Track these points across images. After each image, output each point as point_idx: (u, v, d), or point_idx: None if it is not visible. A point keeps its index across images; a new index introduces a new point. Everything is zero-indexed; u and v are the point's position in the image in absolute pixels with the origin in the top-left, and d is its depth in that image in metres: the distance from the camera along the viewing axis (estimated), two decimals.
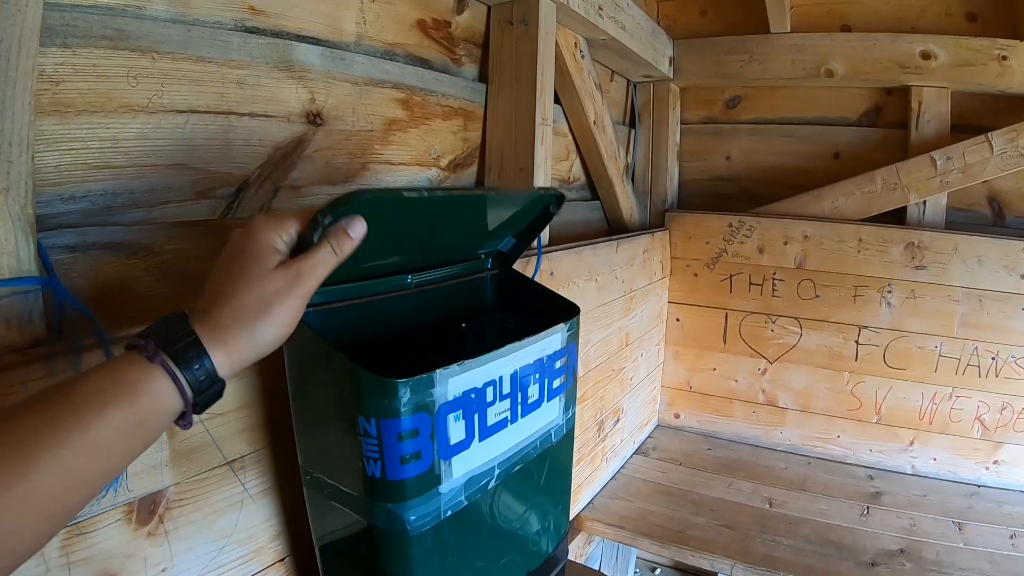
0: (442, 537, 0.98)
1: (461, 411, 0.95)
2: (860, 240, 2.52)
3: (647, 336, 2.79)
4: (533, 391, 1.11)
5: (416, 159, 1.69)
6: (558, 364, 1.16)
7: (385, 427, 0.85)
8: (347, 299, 1.07)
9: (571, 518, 2.30)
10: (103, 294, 1.05)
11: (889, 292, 2.50)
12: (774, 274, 2.69)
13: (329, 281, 0.90)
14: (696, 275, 2.86)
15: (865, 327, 2.57)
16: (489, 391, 1.00)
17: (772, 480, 2.59)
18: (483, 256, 1.34)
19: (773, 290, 2.70)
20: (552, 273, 1.90)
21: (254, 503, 1.10)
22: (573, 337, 1.20)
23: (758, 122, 2.88)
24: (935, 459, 2.60)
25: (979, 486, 2.53)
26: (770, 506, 2.40)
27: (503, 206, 1.21)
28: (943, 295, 2.46)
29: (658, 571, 2.78)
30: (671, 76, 2.86)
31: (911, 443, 2.61)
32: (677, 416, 3.07)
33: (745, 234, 2.70)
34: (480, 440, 1.00)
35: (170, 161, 1.15)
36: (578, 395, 2.13)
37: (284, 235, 0.77)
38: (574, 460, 2.17)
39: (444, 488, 0.95)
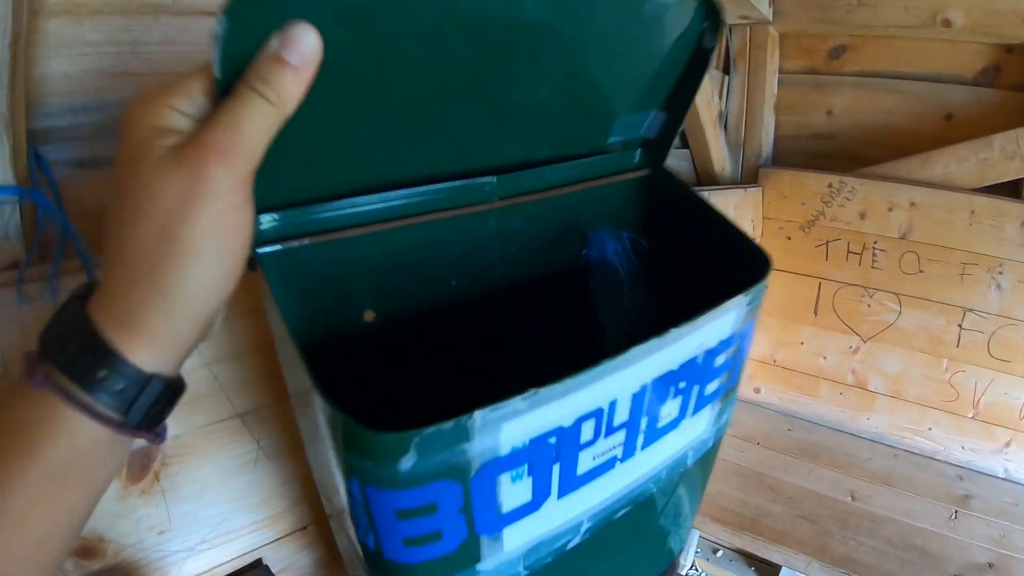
0: None
1: (527, 466, 0.59)
2: (972, 212, 2.39)
3: None
4: (670, 408, 0.72)
5: None
6: (721, 359, 0.75)
7: (375, 499, 0.54)
8: (373, 221, 0.73)
9: None
10: None
11: (1000, 273, 2.39)
12: (875, 243, 2.57)
13: (348, 191, 0.68)
14: (789, 238, 2.76)
15: (971, 310, 2.46)
16: (587, 427, 0.62)
17: (856, 470, 2.52)
18: (619, 146, 0.93)
19: (873, 261, 2.59)
20: None
21: (270, 463, 1.04)
22: (753, 313, 0.77)
23: (864, 75, 2.75)
24: None
25: None
26: (852, 499, 2.34)
27: (609, 29, 0.72)
28: None
29: (720, 552, 2.74)
30: (770, 19, 2.73)
31: (1007, 444, 2.51)
32: (757, 391, 2.99)
33: (846, 197, 2.59)
34: (560, 496, 0.65)
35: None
36: None
37: (179, 102, 0.48)
38: None
39: (486, 565, 0.63)
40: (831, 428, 2.82)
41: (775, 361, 2.93)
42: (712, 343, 0.72)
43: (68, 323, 0.48)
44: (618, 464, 0.70)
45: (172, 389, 0.52)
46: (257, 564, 1.08)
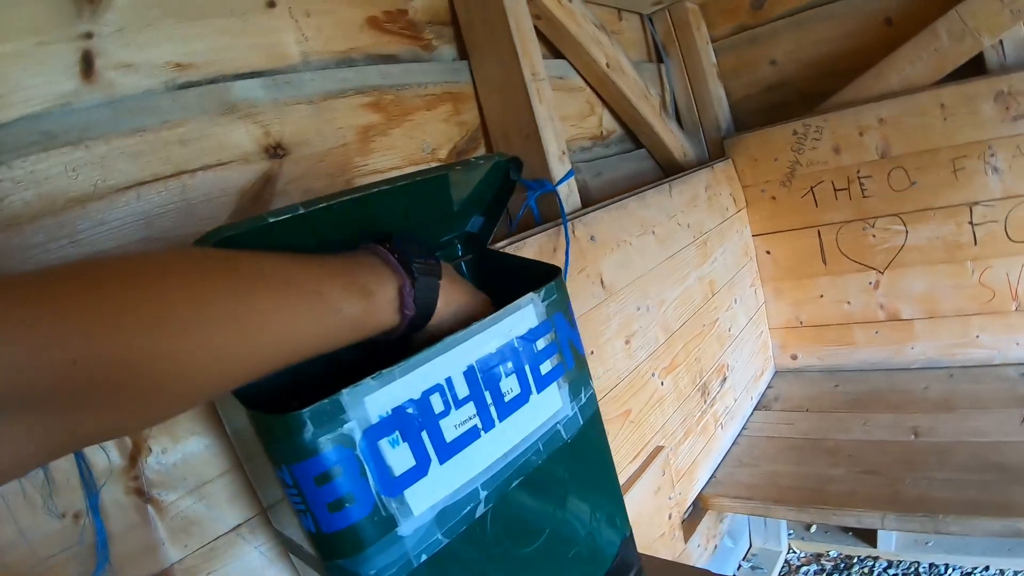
0: None
1: (398, 433, 0.84)
2: (943, 106, 2.38)
3: (737, 279, 2.76)
4: (509, 385, 0.98)
5: (408, 159, 1.71)
6: (541, 343, 1.04)
7: (297, 472, 0.78)
8: None
9: (694, 497, 2.31)
10: None
11: (992, 156, 2.36)
12: (858, 172, 2.59)
13: None
14: (774, 198, 2.80)
15: (976, 203, 2.43)
16: (435, 400, 0.88)
17: (913, 406, 2.50)
18: (451, 242, 1.25)
19: (862, 190, 2.60)
20: (593, 238, 1.91)
21: (275, 565, 1.15)
22: (557, 305, 1.07)
23: (792, 13, 2.78)
24: None
25: None
26: (915, 436, 2.32)
27: (434, 192, 1.07)
28: None
29: (813, 528, 2.75)
30: None
31: None
32: (794, 357, 3.01)
33: (815, 137, 2.62)
34: (442, 462, 0.89)
35: (133, 238, 1.21)
36: (668, 362, 2.18)
37: None
38: (680, 436, 2.21)
39: (405, 530, 0.85)
40: (878, 370, 2.81)
41: (802, 323, 2.94)
42: (522, 331, 1.01)
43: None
44: (483, 433, 0.95)
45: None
46: None
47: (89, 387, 0.52)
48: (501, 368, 0.97)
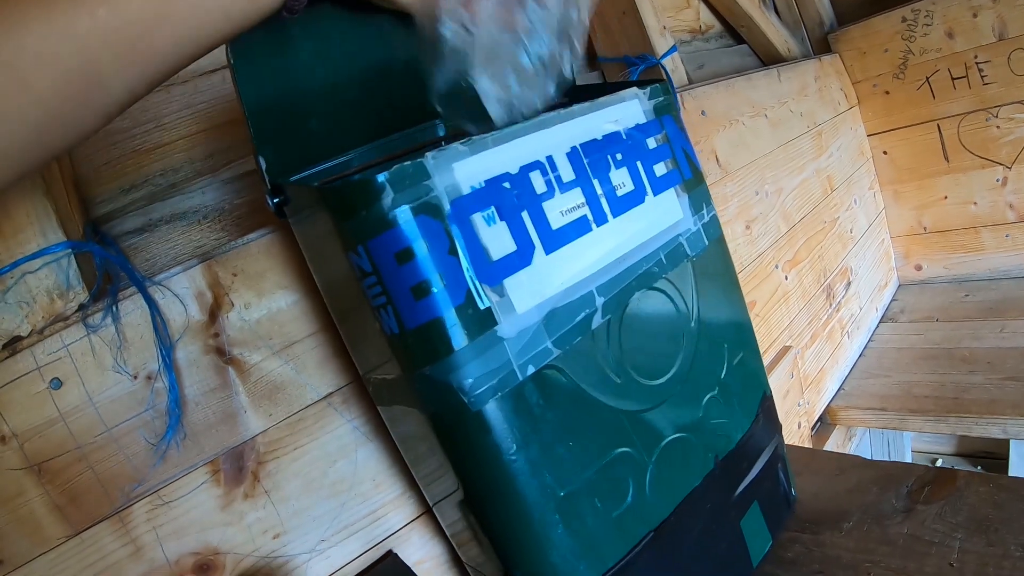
0: (534, 412, 0.79)
1: (494, 208, 0.76)
2: None
3: (854, 179, 2.70)
4: (620, 178, 0.91)
5: None
6: (652, 143, 0.97)
7: (375, 249, 0.71)
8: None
9: (822, 409, 2.24)
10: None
11: None
12: (976, 57, 2.48)
13: (330, 152, 0.96)
14: (888, 93, 2.72)
15: None
16: (536, 178, 0.81)
17: None
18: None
19: (982, 77, 2.49)
20: (704, 112, 1.87)
21: (372, 443, 1.09)
22: (665, 109, 1.00)
23: None
24: None
25: None
26: None
27: None
28: None
29: (939, 461, 2.69)
30: None
31: None
32: (919, 268, 2.93)
33: (925, 23, 2.52)
34: (548, 252, 0.80)
35: (219, 121, 1.30)
36: (791, 255, 2.14)
37: None
38: (807, 339, 2.15)
39: (506, 330, 0.76)
40: (1010, 278, 2.71)
41: (925, 228, 2.85)
42: (629, 123, 0.94)
43: None
44: (594, 227, 0.87)
45: None
46: (387, 556, 1.09)
47: None
48: (609, 158, 0.90)
